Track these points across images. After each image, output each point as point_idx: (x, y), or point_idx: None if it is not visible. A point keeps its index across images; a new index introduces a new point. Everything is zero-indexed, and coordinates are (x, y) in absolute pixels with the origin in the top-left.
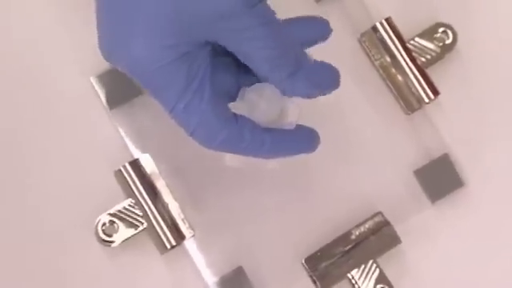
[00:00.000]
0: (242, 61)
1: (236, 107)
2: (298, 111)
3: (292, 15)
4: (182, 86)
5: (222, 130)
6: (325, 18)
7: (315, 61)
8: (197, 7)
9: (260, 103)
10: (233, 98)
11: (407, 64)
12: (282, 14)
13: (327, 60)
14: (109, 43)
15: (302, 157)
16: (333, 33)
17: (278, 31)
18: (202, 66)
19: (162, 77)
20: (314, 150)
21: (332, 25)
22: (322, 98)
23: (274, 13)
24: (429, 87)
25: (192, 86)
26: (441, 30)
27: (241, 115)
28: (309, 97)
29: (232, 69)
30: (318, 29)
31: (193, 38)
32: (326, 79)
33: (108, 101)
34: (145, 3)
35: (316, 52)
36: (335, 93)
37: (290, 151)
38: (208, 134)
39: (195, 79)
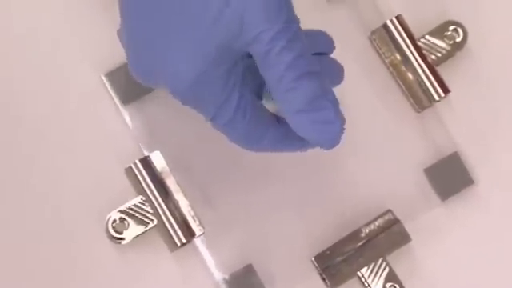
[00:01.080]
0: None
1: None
2: None
3: (303, 15)
4: (221, 102)
5: (266, 132)
6: (336, 16)
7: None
8: (232, 30)
9: None
10: (260, 97)
11: (417, 62)
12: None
13: (337, 58)
14: (146, 61)
15: (312, 154)
16: (343, 31)
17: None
18: (239, 77)
19: (203, 92)
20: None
21: (342, 23)
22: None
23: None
24: (439, 85)
25: (232, 102)
26: (451, 27)
27: (277, 115)
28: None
29: (257, 75)
30: (323, 44)
31: (233, 51)
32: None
33: (119, 98)
34: (186, 18)
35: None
36: (345, 91)
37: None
38: (253, 139)
39: (234, 93)
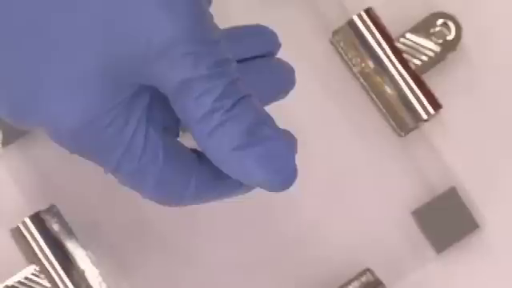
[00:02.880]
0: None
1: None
2: None
3: (240, 15)
4: (122, 148)
5: (189, 179)
6: (286, 15)
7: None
8: (127, 46)
9: None
10: (177, 132)
11: (397, 69)
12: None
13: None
14: (14, 100)
15: (263, 198)
16: (298, 33)
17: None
18: (143, 111)
19: (95, 137)
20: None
21: (295, 23)
22: (289, 117)
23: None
24: (427, 99)
25: (136, 145)
26: (439, 22)
27: (199, 152)
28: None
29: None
30: (264, 43)
31: (132, 78)
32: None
33: None
34: (62, 38)
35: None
36: (302, 112)
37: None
38: (173, 191)
39: (139, 133)
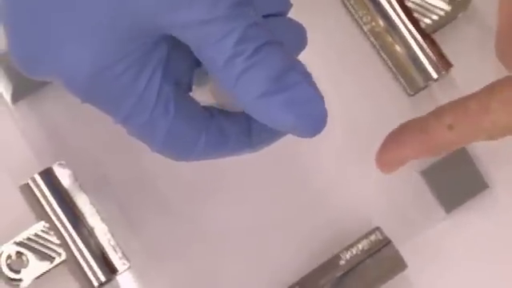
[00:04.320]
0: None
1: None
2: None
3: None
4: (135, 97)
5: (199, 135)
6: None
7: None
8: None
9: None
10: (189, 86)
11: (407, 28)
12: None
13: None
14: (30, 44)
15: (272, 151)
16: None
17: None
18: (160, 63)
19: (109, 85)
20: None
21: None
22: None
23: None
24: (437, 58)
25: (150, 96)
26: None
27: (212, 107)
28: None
29: (187, 54)
30: (275, 2)
31: (151, 28)
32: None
33: (9, 92)
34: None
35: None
36: (311, 70)
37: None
38: (182, 145)
39: (153, 85)
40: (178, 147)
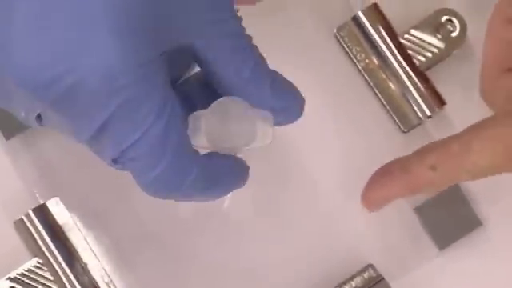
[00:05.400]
0: (210, 69)
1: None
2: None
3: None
4: (150, 120)
5: (192, 167)
6: (290, 8)
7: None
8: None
9: (230, 124)
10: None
11: (401, 66)
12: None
13: (295, 64)
14: (54, 50)
15: (269, 189)
16: (303, 29)
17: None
18: (167, 79)
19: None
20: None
21: (301, 17)
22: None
23: None
24: (431, 96)
25: (161, 119)
26: (444, 18)
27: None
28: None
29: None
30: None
31: (163, 42)
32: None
33: (2, 129)
34: None
35: (281, 56)
36: (309, 109)
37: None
38: (175, 176)
39: (167, 105)
40: (169, 180)
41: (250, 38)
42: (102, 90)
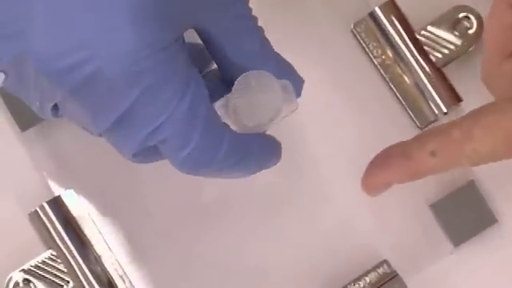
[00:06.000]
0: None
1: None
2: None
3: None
4: (175, 91)
5: (222, 142)
6: (308, 4)
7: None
8: None
9: (256, 96)
10: None
11: (417, 62)
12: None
13: (312, 60)
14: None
15: (284, 184)
16: (320, 24)
17: None
18: (188, 61)
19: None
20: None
21: (315, 13)
22: (308, 107)
23: None
24: (447, 92)
25: (189, 88)
26: (461, 15)
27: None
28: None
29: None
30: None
31: (177, 26)
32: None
33: (18, 120)
34: None
35: (298, 51)
36: (322, 102)
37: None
38: (206, 153)
39: (191, 79)
40: (201, 157)
41: (256, 19)
42: (123, 76)
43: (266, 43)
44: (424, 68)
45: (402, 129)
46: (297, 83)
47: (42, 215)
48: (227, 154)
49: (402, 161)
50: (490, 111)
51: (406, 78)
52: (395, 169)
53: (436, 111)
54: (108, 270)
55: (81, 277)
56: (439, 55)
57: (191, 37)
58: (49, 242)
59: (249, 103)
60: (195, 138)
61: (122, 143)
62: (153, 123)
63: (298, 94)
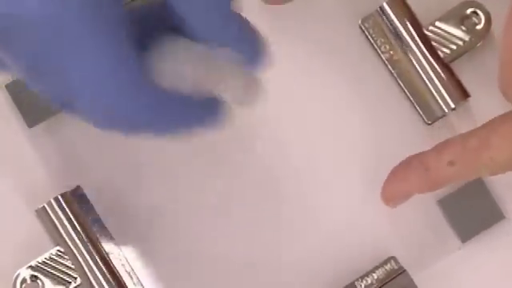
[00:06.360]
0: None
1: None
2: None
3: None
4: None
5: (139, 96)
6: None
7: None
8: None
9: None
10: None
11: (425, 57)
12: None
13: (320, 55)
14: None
15: (288, 179)
16: (328, 19)
17: None
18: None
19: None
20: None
21: (323, 8)
22: (316, 103)
23: None
24: (455, 88)
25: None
26: (469, 10)
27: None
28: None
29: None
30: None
31: None
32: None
33: (25, 117)
34: None
35: (305, 47)
36: (330, 97)
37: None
38: (121, 106)
39: (116, 34)
40: (115, 109)
41: None
42: (41, 25)
43: (230, 10)
44: (432, 64)
45: (410, 124)
46: (255, 56)
47: (49, 211)
48: (144, 107)
49: (421, 172)
50: (507, 119)
51: (413, 74)
52: (414, 180)
53: (444, 107)
54: (116, 266)
55: (88, 273)
56: (447, 51)
57: None
58: (56, 238)
59: (166, 69)
60: (112, 89)
61: (45, 92)
62: (67, 72)
63: (253, 68)
